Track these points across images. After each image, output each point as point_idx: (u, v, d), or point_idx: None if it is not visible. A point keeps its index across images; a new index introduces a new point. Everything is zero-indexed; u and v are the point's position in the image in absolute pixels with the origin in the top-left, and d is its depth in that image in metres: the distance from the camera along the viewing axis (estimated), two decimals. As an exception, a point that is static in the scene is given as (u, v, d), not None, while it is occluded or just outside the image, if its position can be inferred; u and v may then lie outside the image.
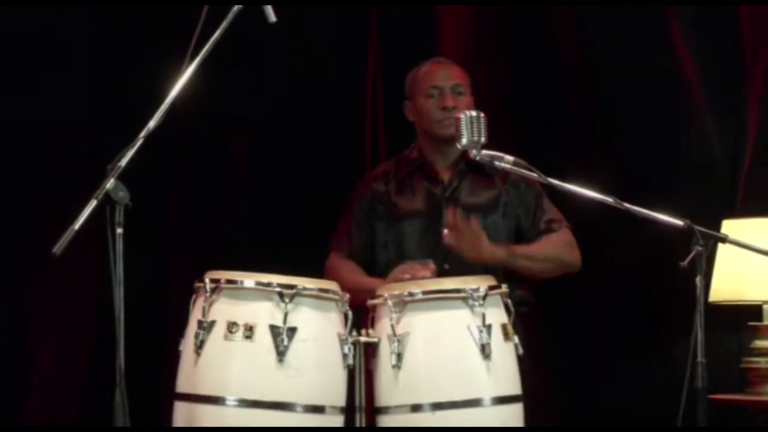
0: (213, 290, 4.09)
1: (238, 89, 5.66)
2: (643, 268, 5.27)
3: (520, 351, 4.23)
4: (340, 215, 4.98)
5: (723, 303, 5.19)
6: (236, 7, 4.09)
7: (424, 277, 4.50)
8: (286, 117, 5.80)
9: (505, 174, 4.68)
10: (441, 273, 4.61)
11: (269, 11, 4.12)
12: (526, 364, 4.58)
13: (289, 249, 5.26)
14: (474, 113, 4.27)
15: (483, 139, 4.24)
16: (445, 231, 4.58)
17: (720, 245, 4.97)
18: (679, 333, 4.72)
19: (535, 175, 4.32)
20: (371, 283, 4.54)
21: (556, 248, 4.82)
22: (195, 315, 4.12)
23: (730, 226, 5.19)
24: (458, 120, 4.27)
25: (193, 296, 4.17)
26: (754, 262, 4.89)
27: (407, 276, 4.50)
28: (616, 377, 5.25)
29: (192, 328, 4.11)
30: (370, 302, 4.26)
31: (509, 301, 4.28)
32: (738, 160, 5.64)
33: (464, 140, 4.23)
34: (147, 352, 4.69)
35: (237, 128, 5.84)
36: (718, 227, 5.17)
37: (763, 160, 5.57)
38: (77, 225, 3.73)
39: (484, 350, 4.08)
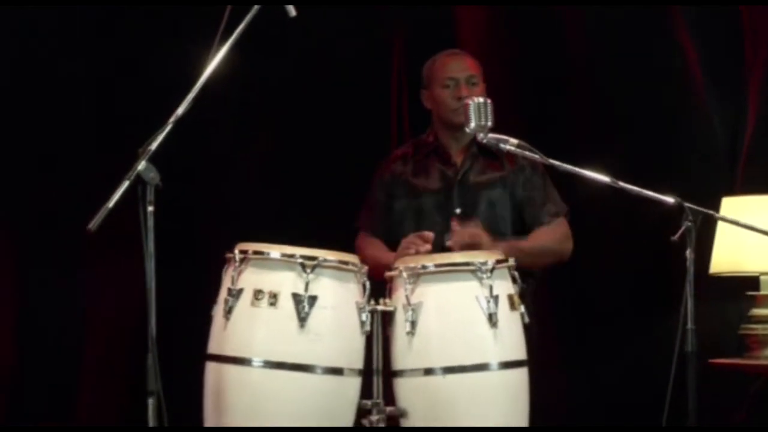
0: (242, 260, 4.14)
1: (270, 74, 5.62)
2: (646, 243, 5.22)
3: (527, 320, 4.29)
4: (365, 194, 5.02)
5: (723, 274, 5.21)
6: (256, 7, 4.07)
7: (426, 251, 4.54)
8: (318, 102, 5.77)
9: (512, 157, 4.67)
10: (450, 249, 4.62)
11: (290, 8, 4.11)
12: (535, 331, 4.66)
13: (316, 224, 5.24)
14: (481, 100, 4.35)
15: (490, 124, 4.32)
16: (448, 238, 4.64)
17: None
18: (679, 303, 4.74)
19: (537, 156, 4.36)
20: (390, 258, 4.56)
21: (551, 242, 4.83)
22: (225, 283, 4.17)
23: (729, 203, 5.22)
24: (467, 106, 4.35)
25: (225, 266, 4.20)
26: (752, 236, 4.84)
27: (411, 251, 4.54)
28: (620, 344, 5.25)
29: (222, 294, 4.17)
30: (387, 274, 4.31)
31: (516, 274, 4.30)
32: (737, 143, 5.63)
33: (472, 124, 4.31)
34: (182, 318, 4.76)
35: (269, 111, 5.78)
36: (718, 204, 5.20)
37: (761, 143, 5.57)
38: (111, 203, 3.76)
39: (491, 319, 4.12)
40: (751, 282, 5.16)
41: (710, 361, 5.13)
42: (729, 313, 5.27)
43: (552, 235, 4.84)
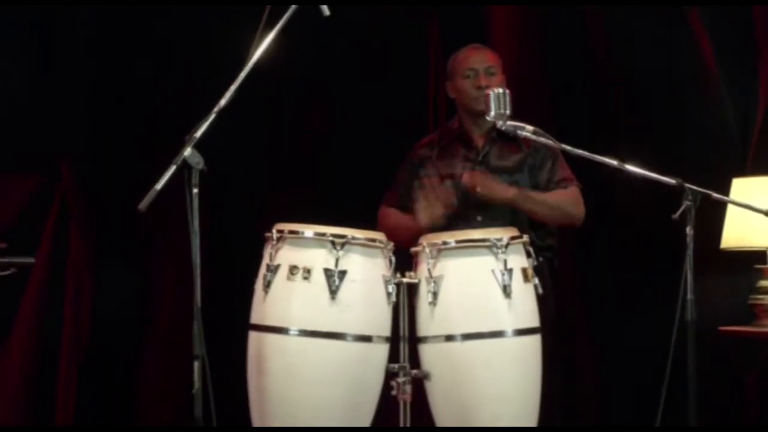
0: (278, 239, 4.20)
1: (310, 64, 5.57)
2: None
3: (540, 291, 4.30)
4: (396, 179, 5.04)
5: (733, 249, 5.22)
6: (293, 7, 4.07)
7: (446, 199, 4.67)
8: (358, 91, 5.73)
9: (529, 142, 4.68)
10: (474, 225, 4.68)
11: (324, 8, 4.09)
12: (552, 301, 4.72)
13: (354, 204, 5.17)
14: (500, 90, 4.34)
15: (508, 112, 4.31)
16: (464, 174, 4.70)
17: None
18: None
19: (551, 141, 4.37)
20: (410, 220, 4.67)
21: (562, 200, 4.81)
22: (264, 259, 4.23)
23: (738, 184, 5.24)
24: (487, 96, 4.35)
25: (265, 244, 4.25)
26: (759, 214, 4.91)
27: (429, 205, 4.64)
28: (635, 313, 5.25)
29: (262, 270, 4.22)
30: (413, 249, 4.34)
31: (531, 249, 4.33)
32: (748, 129, 5.60)
33: (492, 113, 4.31)
34: (228, 291, 4.74)
35: (309, 99, 5.73)
36: (729, 185, 5.23)
37: None
38: (159, 186, 3.79)
39: (506, 290, 4.16)
40: (759, 256, 5.17)
41: (721, 328, 5.16)
42: (739, 285, 5.26)
43: (563, 196, 4.83)
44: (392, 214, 4.89)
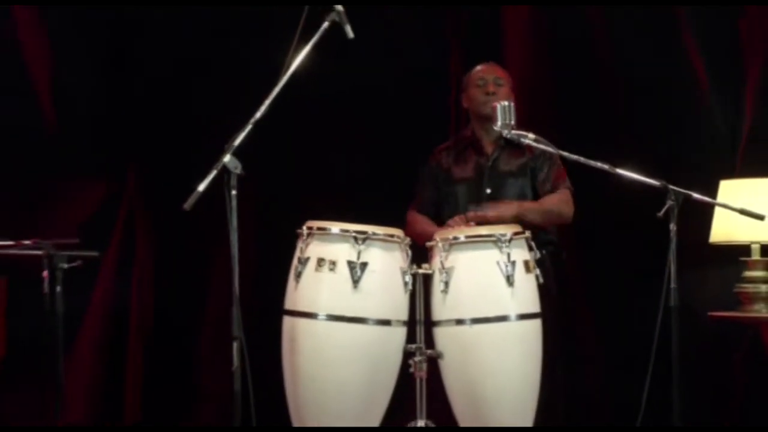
0: (308, 235, 4.24)
1: (341, 74, 5.41)
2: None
3: (541, 280, 4.30)
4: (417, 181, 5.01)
5: (721, 243, 5.16)
6: (324, 26, 4.09)
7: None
8: (385, 100, 5.66)
9: (532, 148, 4.62)
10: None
11: (348, 29, 4.11)
12: (554, 289, 4.68)
13: (381, 203, 5.12)
14: (506, 103, 4.35)
15: (512, 122, 4.31)
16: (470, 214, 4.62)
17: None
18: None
19: (549, 148, 4.36)
20: (433, 230, 4.60)
21: (553, 204, 4.76)
22: (296, 253, 4.25)
23: (726, 186, 5.18)
24: (494, 108, 4.35)
25: (297, 239, 4.27)
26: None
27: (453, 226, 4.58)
28: (632, 300, 5.18)
29: (294, 262, 4.25)
30: (428, 244, 4.36)
31: (533, 243, 4.33)
32: (736, 137, 5.51)
33: (499, 123, 4.32)
34: (265, 281, 4.74)
35: (340, 107, 5.64)
36: (717, 187, 5.18)
37: (755, 137, 5.44)
38: (201, 188, 3.84)
39: (509, 280, 4.18)
40: (744, 249, 5.11)
41: (710, 313, 5.14)
42: (726, 275, 5.17)
43: (554, 200, 4.77)
44: (420, 222, 4.84)
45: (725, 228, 5.07)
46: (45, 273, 4.38)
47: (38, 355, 4.51)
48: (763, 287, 5.05)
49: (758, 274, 5.08)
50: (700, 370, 5.40)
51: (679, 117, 5.54)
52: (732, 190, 5.13)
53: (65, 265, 4.37)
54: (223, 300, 4.82)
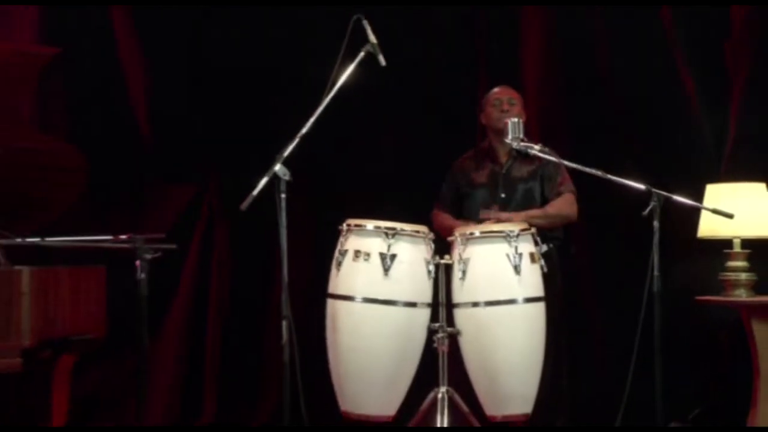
0: (347, 230, 4.30)
1: (388, 93, 5.37)
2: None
3: (545, 270, 4.32)
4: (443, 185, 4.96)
5: (707, 238, 5.11)
6: (360, 55, 4.12)
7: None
8: (418, 111, 5.60)
9: (540, 157, 4.53)
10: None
11: (381, 59, 4.13)
12: (560, 278, 4.67)
13: (413, 201, 5.06)
14: (516, 120, 4.38)
15: (521, 135, 4.33)
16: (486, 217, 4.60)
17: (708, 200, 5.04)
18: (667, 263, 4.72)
19: (552, 157, 4.38)
20: (456, 225, 4.62)
21: (558, 208, 4.69)
22: (337, 246, 4.31)
23: (711, 189, 5.12)
24: (506, 124, 4.38)
25: (338, 234, 4.33)
26: (725, 209, 4.79)
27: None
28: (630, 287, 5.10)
29: (335, 254, 4.30)
30: (449, 239, 4.39)
31: (538, 239, 4.35)
32: (722, 145, 5.46)
33: (510, 136, 4.34)
34: (314, 269, 4.73)
35: (376, 117, 5.56)
36: (703, 190, 5.12)
37: (739, 145, 5.40)
38: (255, 192, 3.92)
39: (517, 269, 4.22)
40: (727, 243, 5.05)
41: (698, 298, 5.08)
42: (712, 265, 5.10)
43: (559, 204, 4.69)
44: (443, 217, 4.81)
45: (710, 225, 5.02)
46: (137, 262, 4.49)
47: (131, 333, 4.40)
48: (743, 275, 5.01)
49: (739, 264, 5.03)
50: (691, 347, 5.38)
51: (671, 128, 5.48)
52: (717, 193, 5.09)
53: (149, 256, 4.46)
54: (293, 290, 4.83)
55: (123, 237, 4.44)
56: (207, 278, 5.69)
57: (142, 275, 4.39)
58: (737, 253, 5.06)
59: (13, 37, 5.51)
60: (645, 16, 5.51)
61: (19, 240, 4.24)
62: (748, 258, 5.06)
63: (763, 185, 5.12)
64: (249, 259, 5.62)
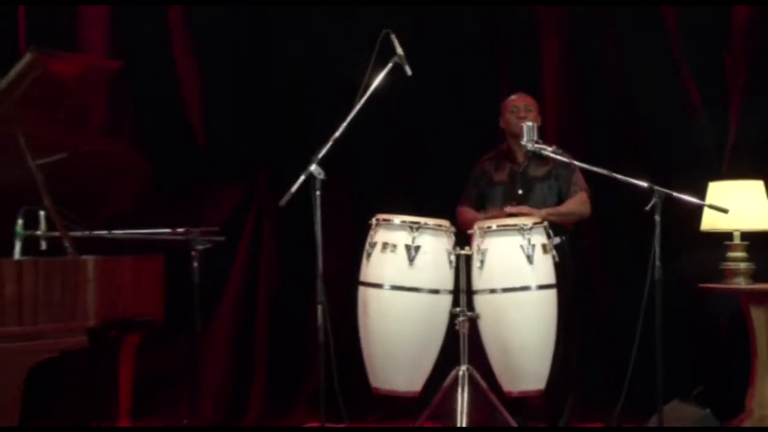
0: (376, 224, 4.32)
1: (417, 101, 5.37)
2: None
3: (557, 259, 4.31)
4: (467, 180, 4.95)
5: (709, 231, 5.09)
6: (389, 66, 4.15)
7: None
8: (444, 121, 5.56)
9: (554, 158, 4.54)
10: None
11: (407, 69, 4.16)
12: (571, 264, 4.63)
13: (437, 197, 5.03)
14: (531, 124, 4.39)
15: (535, 137, 4.35)
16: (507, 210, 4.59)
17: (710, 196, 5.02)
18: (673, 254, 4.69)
19: (564, 158, 4.40)
20: (475, 217, 4.62)
21: (572, 206, 4.66)
22: (368, 238, 4.32)
23: (713, 187, 5.09)
24: (521, 127, 4.40)
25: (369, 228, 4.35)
26: (723, 204, 4.77)
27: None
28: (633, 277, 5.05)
29: (366, 245, 4.32)
30: (468, 231, 4.39)
31: (550, 231, 4.36)
32: (723, 147, 5.44)
33: (525, 138, 4.37)
34: (347, 260, 4.68)
35: (412, 125, 5.56)
36: (706, 187, 5.09)
37: (738, 146, 5.38)
38: (293, 189, 3.99)
39: (530, 259, 4.22)
40: (728, 235, 5.03)
41: (700, 285, 5.07)
42: (714, 255, 5.07)
43: (573, 203, 4.67)
44: (466, 211, 4.80)
45: (712, 219, 5.00)
46: (193, 253, 4.54)
47: (186, 316, 4.53)
48: (742, 265, 4.99)
49: (738, 254, 5.01)
50: (694, 331, 5.36)
51: (676, 131, 5.45)
52: (719, 190, 5.07)
53: (200, 247, 4.53)
54: (330, 280, 4.85)
55: (180, 230, 4.55)
56: (256, 268, 5.69)
57: (196, 264, 4.52)
58: (737, 244, 5.03)
59: (85, 36, 5.59)
60: (652, 29, 5.49)
61: (86, 232, 4.29)
62: (747, 249, 5.03)
63: (761, 183, 5.09)
64: (293, 250, 5.53)
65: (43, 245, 4.08)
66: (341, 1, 5.52)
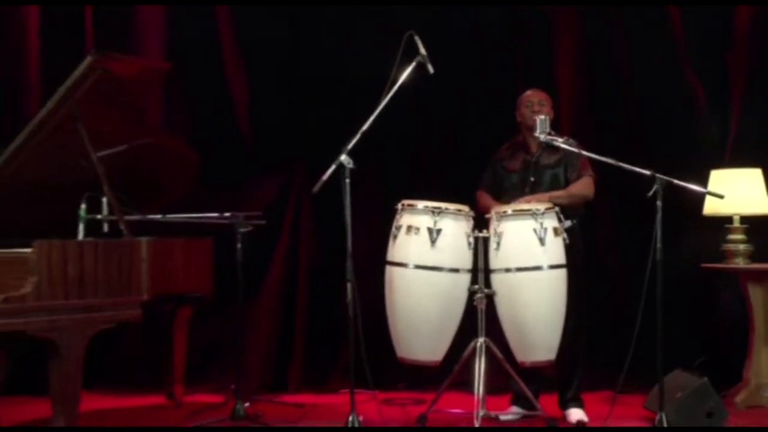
0: (402, 209, 4.35)
1: (442, 95, 5.36)
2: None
3: (567, 241, 4.31)
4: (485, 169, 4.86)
5: (711, 215, 5.09)
6: (413, 64, 4.17)
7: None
8: (466, 114, 5.54)
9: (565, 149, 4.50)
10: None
11: (429, 67, 4.17)
12: (582, 248, 4.57)
13: (458, 184, 4.99)
14: (543, 117, 4.40)
15: (547, 130, 4.35)
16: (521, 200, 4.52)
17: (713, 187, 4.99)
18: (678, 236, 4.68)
19: (573, 148, 4.39)
20: (493, 204, 4.60)
21: (577, 190, 4.57)
22: (394, 222, 4.35)
23: (715, 175, 5.09)
24: (535, 121, 4.40)
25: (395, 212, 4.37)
26: (724, 191, 4.72)
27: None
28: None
29: (392, 228, 4.34)
30: (486, 216, 4.41)
31: (561, 216, 4.35)
32: (725, 139, 5.41)
33: (538, 131, 4.37)
34: (377, 241, 4.60)
35: (436, 117, 5.55)
36: (708, 175, 5.09)
37: (739, 139, 5.35)
38: (325, 177, 4.04)
39: (542, 241, 4.23)
40: (728, 219, 5.03)
41: (703, 265, 5.07)
42: (715, 237, 5.06)
43: (578, 186, 4.58)
44: (485, 197, 4.73)
45: (713, 204, 5.00)
46: (237, 235, 4.55)
47: (233, 293, 4.59)
48: (741, 246, 5.00)
49: (738, 237, 5.02)
50: (697, 307, 5.35)
51: (682, 124, 5.44)
52: (720, 178, 5.08)
53: (243, 230, 4.59)
54: (361, 260, 4.87)
55: (226, 215, 4.61)
56: (296, 249, 5.72)
57: (239, 245, 4.59)
58: (736, 227, 5.04)
59: (141, 34, 5.66)
60: (659, 29, 5.47)
61: (140, 216, 4.35)
62: (746, 232, 5.04)
63: (759, 171, 5.09)
64: (329, 233, 5.44)
65: (106, 228, 4.14)
66: (371, 2, 5.51)
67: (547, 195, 4.53)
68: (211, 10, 5.68)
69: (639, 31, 5.50)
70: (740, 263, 4.97)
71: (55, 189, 4.24)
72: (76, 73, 3.99)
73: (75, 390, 3.75)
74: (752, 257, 4.99)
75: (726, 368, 5.01)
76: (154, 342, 5.30)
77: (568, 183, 4.68)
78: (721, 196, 4.28)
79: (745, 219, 5.03)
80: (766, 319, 4.90)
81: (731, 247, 5.01)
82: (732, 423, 4.33)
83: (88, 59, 3.98)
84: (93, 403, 5.01)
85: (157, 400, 5.11)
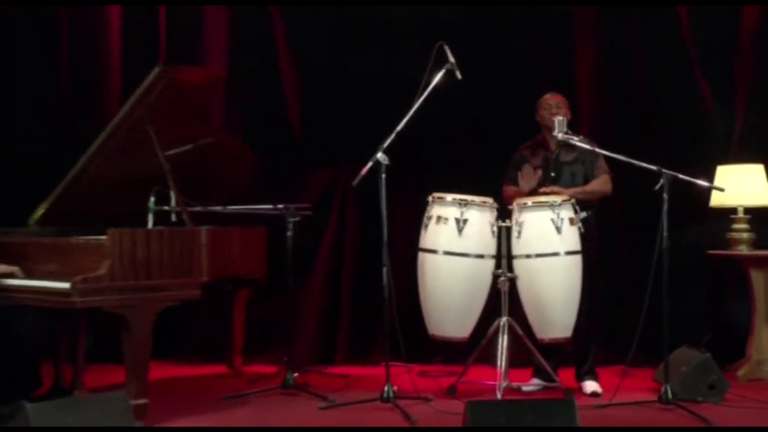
0: (432, 201, 4.37)
1: (469, 98, 5.18)
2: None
3: (582, 230, 4.30)
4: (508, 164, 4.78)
5: (717, 207, 5.03)
6: (442, 71, 4.17)
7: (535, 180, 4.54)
8: (490, 116, 5.36)
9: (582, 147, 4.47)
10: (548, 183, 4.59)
11: (457, 74, 4.17)
12: (596, 236, 4.53)
13: (484, 178, 4.83)
14: (561, 118, 4.38)
15: (565, 130, 4.34)
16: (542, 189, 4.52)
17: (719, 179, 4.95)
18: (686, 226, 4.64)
19: (588, 146, 4.38)
20: (517, 190, 4.59)
21: (595, 186, 4.54)
22: (426, 213, 4.37)
23: (721, 170, 5.03)
24: (553, 121, 4.39)
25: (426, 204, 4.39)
26: (729, 184, 4.77)
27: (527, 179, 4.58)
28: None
29: (424, 218, 4.37)
30: (509, 207, 4.41)
31: (577, 207, 4.34)
32: (730, 135, 5.31)
33: (556, 130, 4.35)
34: (408, 231, 4.63)
35: (463, 119, 5.46)
36: (714, 170, 5.03)
37: (744, 137, 5.25)
38: (363, 171, 4.08)
39: (559, 230, 4.24)
40: (733, 210, 4.98)
41: (709, 252, 5.02)
42: (721, 226, 5.01)
43: (597, 183, 4.54)
44: (510, 189, 4.67)
45: (719, 197, 4.93)
46: (288, 224, 4.61)
47: (284, 277, 4.60)
48: (744, 234, 4.96)
49: (742, 226, 4.98)
50: (704, 290, 5.30)
51: (690, 123, 5.33)
52: (725, 173, 5.03)
53: (292, 219, 4.64)
54: (398, 247, 4.87)
55: (278, 206, 4.65)
56: (342, 236, 5.70)
57: (289, 233, 4.65)
58: (740, 217, 5.00)
59: (208, 34, 5.67)
60: (670, 35, 5.39)
61: (202, 208, 4.39)
62: (749, 222, 4.99)
63: (761, 166, 5.04)
64: (372, 222, 5.51)
65: (173, 218, 4.19)
66: (403, 2, 5.45)
67: (569, 191, 4.47)
68: (266, 11, 5.62)
69: (652, 35, 5.41)
70: (743, 250, 4.93)
71: (129, 184, 4.33)
72: (144, 83, 4.09)
73: (144, 360, 3.83)
74: (754, 245, 4.94)
75: (731, 343, 4.97)
76: (218, 319, 5.38)
77: (586, 179, 4.64)
78: (722, 189, 4.25)
79: (748, 210, 4.98)
80: (766, 301, 4.87)
81: (735, 235, 4.96)
82: (732, 394, 4.31)
83: (155, 70, 4.08)
84: (169, 370, 5.14)
85: (220, 369, 5.21)
